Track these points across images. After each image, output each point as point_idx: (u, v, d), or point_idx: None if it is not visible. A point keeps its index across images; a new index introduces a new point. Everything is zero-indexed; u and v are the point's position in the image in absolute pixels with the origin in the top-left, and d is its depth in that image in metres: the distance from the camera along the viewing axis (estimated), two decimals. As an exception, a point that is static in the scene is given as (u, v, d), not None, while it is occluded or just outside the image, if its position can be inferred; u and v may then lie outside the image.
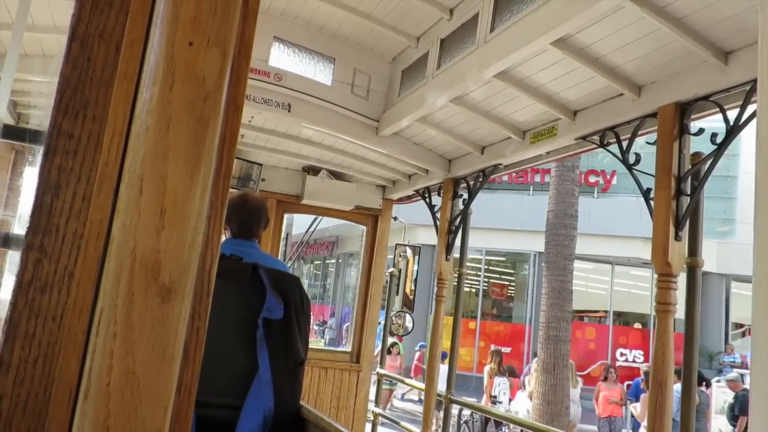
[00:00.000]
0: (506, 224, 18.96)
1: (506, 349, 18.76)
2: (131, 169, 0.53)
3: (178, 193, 0.53)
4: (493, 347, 12.52)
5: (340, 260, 26.65)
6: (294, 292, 2.96)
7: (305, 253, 28.78)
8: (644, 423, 9.50)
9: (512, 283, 20.73)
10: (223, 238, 3.22)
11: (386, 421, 5.10)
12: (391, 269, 5.16)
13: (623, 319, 20.14)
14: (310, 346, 6.47)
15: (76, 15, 0.66)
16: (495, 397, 10.72)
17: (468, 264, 17.63)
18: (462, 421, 9.47)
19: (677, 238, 2.40)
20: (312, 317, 3.71)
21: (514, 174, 20.14)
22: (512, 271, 21.01)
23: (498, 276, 20.89)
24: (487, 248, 20.18)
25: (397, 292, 5.65)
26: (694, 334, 2.43)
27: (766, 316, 1.03)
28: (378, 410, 4.92)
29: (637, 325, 19.55)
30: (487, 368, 11.34)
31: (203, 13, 0.56)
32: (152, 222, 0.52)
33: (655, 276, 2.50)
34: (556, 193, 10.53)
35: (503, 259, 20.94)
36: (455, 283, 4.26)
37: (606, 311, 19.43)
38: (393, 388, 11.65)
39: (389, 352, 11.48)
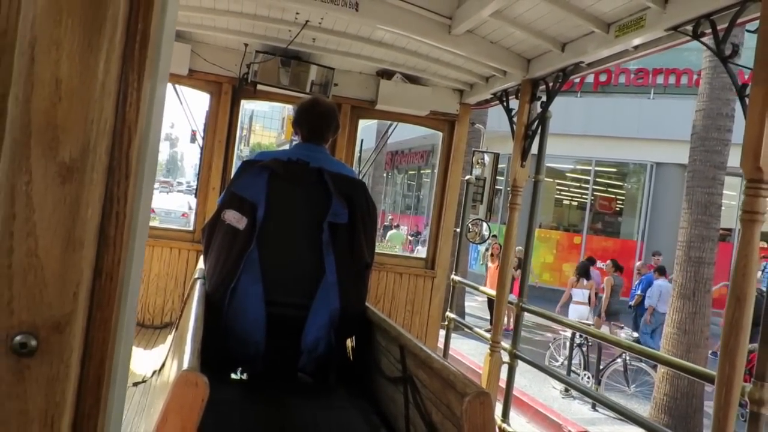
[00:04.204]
0: (621, 131, 17.53)
1: (615, 266, 18.04)
2: (22, 35, 0.48)
3: (76, 61, 0.48)
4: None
5: (436, 170, 26.36)
6: (359, 196, 2.96)
7: (399, 162, 28.77)
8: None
9: (621, 196, 19.45)
10: (295, 142, 3.23)
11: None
12: (468, 176, 5.04)
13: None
14: (385, 251, 6.55)
15: None
16: None
17: (574, 175, 16.95)
18: (576, 344, 9.23)
19: (773, 139, 2.12)
20: (379, 223, 3.68)
21: (633, 75, 18.60)
22: (623, 183, 19.66)
23: (607, 189, 19.61)
24: (597, 158, 18.91)
25: (481, 200, 5.55)
26: (784, 247, 2.21)
27: None
28: (452, 315, 4.98)
29: (763, 244, 18.06)
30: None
31: None
32: (46, 94, 0.47)
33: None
34: (708, 89, 8.55)
35: (614, 170, 19.60)
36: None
37: (730, 229, 16.99)
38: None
39: None
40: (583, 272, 11.42)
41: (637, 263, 13.56)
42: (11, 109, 0.49)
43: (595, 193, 19.31)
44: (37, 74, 0.48)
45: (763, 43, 2.15)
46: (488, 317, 12.28)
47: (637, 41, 3.00)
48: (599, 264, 13.79)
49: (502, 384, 4.08)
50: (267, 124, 58.17)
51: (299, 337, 2.77)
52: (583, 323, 9.62)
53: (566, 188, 20.51)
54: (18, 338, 0.50)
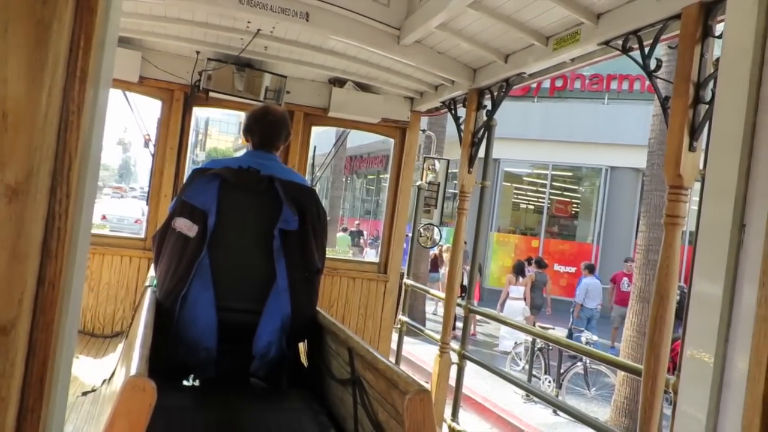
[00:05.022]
0: (577, 136, 17.85)
1: (571, 269, 18.20)
2: (-28, 73, 0.54)
3: (21, 97, 0.55)
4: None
5: (396, 174, 26.09)
6: (310, 204, 3.02)
7: (359, 167, 28.81)
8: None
9: (577, 200, 19.79)
10: (246, 149, 3.27)
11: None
12: (419, 182, 5.16)
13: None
14: (338, 257, 6.60)
15: None
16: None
17: (531, 179, 17.25)
18: (537, 348, 9.28)
19: (691, 148, 2.30)
20: (327, 229, 3.71)
21: (588, 80, 19.06)
22: (578, 187, 19.97)
23: (563, 192, 19.90)
24: (554, 162, 19.19)
25: (435, 205, 5.67)
26: (703, 248, 2.37)
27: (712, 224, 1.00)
28: (404, 318, 5.08)
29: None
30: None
31: None
32: (-6, 125, 0.54)
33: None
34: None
35: (570, 174, 19.90)
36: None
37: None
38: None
39: None
40: (519, 270, 12.48)
41: (582, 263, 14.35)
42: (-38, 136, 0.56)
43: (551, 196, 19.62)
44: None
45: (682, 58, 2.33)
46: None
47: (573, 54, 3.17)
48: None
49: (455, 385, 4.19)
50: (223, 129, 57.36)
51: (251, 342, 2.82)
52: (543, 327, 9.81)
53: (523, 192, 20.85)
54: (-33, 342, 0.57)
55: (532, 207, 20.61)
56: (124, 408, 1.62)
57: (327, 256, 3.26)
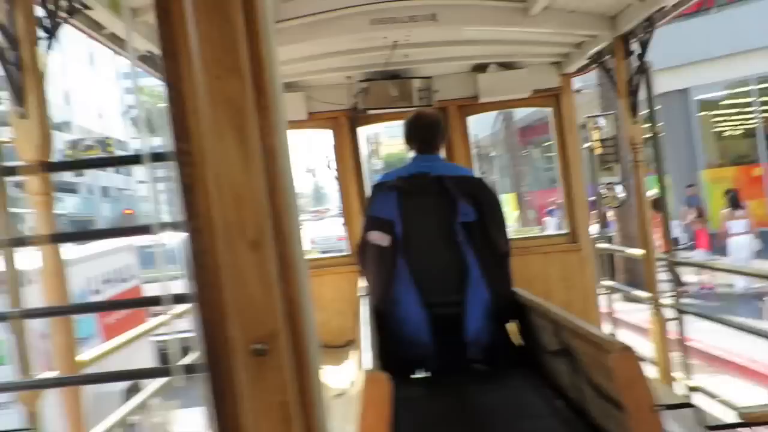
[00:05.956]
0: None
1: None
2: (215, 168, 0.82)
3: (242, 181, 0.81)
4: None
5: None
6: (483, 193, 3.25)
7: (531, 136, 27.48)
8: None
9: None
10: (411, 155, 3.52)
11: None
12: (589, 143, 5.00)
13: None
14: (529, 235, 6.55)
15: None
16: None
17: (730, 101, 14.25)
18: None
19: None
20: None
21: None
22: None
23: None
24: (758, 73, 15.59)
25: (616, 160, 5.37)
26: None
27: None
28: (608, 283, 4.94)
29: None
30: None
31: None
32: (228, 199, 0.80)
33: None
34: None
35: None
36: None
37: None
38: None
39: None
40: (733, 203, 10.98)
41: None
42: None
43: (763, 113, 16.25)
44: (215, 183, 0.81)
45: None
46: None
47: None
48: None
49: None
50: (391, 133, 59.44)
51: (462, 331, 3.06)
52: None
53: (726, 118, 17.77)
54: (256, 346, 0.84)
55: (740, 132, 17.74)
56: (369, 399, 1.91)
57: (514, 237, 3.36)
